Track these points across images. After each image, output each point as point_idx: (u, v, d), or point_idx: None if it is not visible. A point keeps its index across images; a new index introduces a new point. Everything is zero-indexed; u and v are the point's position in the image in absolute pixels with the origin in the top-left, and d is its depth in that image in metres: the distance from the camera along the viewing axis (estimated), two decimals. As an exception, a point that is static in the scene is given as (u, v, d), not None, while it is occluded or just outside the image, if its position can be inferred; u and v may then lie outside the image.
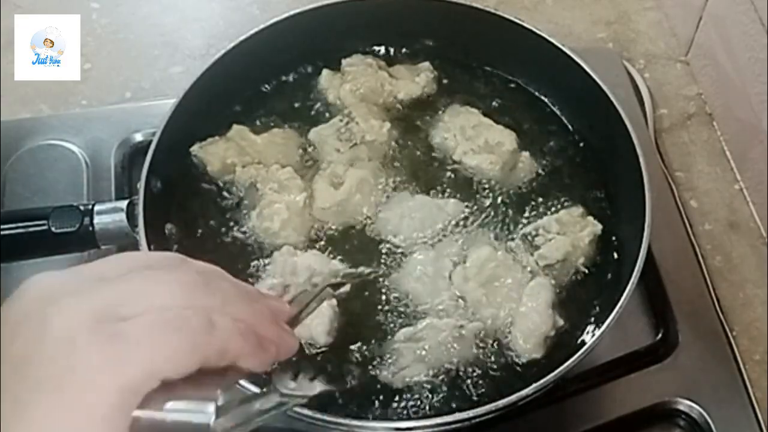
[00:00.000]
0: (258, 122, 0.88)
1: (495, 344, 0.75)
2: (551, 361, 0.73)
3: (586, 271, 0.79)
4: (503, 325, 0.75)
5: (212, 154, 0.84)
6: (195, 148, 0.84)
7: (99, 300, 0.38)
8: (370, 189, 0.82)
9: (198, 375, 0.38)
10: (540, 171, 0.86)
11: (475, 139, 0.85)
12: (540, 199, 0.83)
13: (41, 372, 0.37)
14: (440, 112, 0.89)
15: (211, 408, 0.39)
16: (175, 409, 0.38)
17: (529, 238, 0.80)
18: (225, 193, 0.84)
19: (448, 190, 0.84)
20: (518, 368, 0.74)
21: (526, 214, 0.82)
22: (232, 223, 0.82)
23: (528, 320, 0.75)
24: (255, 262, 0.79)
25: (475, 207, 0.82)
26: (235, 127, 0.86)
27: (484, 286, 0.76)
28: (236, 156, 0.84)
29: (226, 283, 0.42)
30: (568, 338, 0.76)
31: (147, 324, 0.37)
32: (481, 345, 0.75)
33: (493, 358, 0.75)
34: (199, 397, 0.39)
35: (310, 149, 0.86)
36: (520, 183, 0.85)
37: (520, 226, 0.81)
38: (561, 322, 0.76)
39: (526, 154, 0.86)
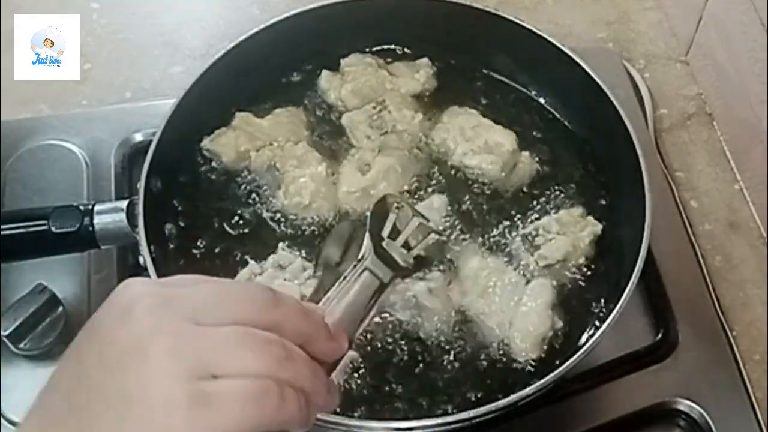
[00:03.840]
0: (259, 107, 0.89)
1: (493, 344, 0.75)
2: (550, 361, 0.73)
3: (586, 271, 0.79)
4: (504, 326, 0.75)
5: (224, 145, 0.85)
6: (206, 143, 0.85)
7: (196, 355, 0.40)
8: (397, 178, 0.83)
9: None
10: (540, 171, 0.86)
11: (474, 139, 0.85)
12: (540, 200, 0.83)
13: (127, 408, 0.39)
14: (439, 113, 0.89)
15: None
16: None
17: (529, 238, 0.80)
18: (239, 182, 0.84)
19: (448, 190, 0.84)
20: (516, 368, 0.74)
21: (526, 214, 0.82)
22: (258, 208, 0.82)
23: (527, 320, 0.75)
24: (290, 241, 0.80)
25: (476, 208, 0.83)
26: (238, 114, 0.87)
27: (482, 296, 0.76)
28: (248, 142, 0.85)
29: (299, 354, 0.44)
30: (568, 338, 0.76)
31: (233, 393, 0.40)
32: (481, 345, 0.75)
33: (491, 358, 0.75)
34: None
35: (342, 137, 0.88)
36: (520, 183, 0.85)
37: (520, 226, 0.81)
38: (560, 323, 0.76)
39: (525, 154, 0.86)
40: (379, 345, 0.75)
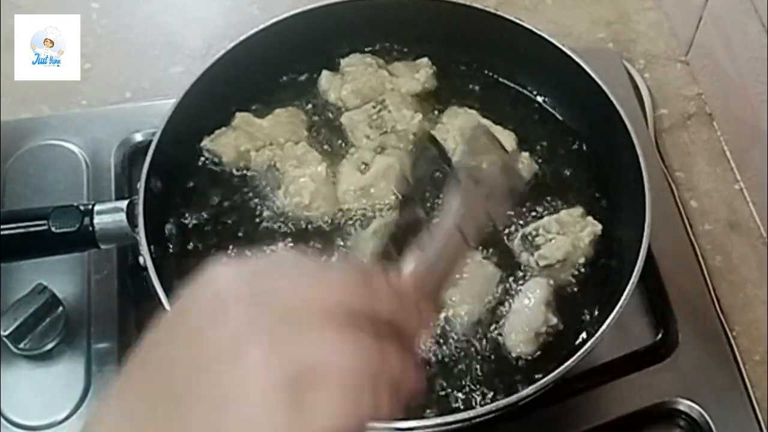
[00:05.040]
0: (259, 107, 0.89)
1: (487, 340, 0.76)
2: (547, 359, 0.74)
3: (586, 271, 0.79)
4: (488, 320, 0.76)
5: (225, 144, 0.85)
6: (206, 143, 0.85)
7: (292, 357, 0.40)
8: (396, 177, 0.83)
9: None
10: (539, 171, 0.86)
11: (474, 139, 0.85)
12: (540, 200, 0.83)
13: (225, 408, 0.39)
14: (439, 113, 0.89)
15: None
16: None
17: (529, 238, 0.80)
18: (239, 182, 0.85)
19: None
20: (510, 363, 0.75)
21: (526, 215, 0.82)
22: (258, 208, 0.83)
23: (521, 315, 0.76)
24: (290, 241, 0.80)
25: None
26: (238, 114, 0.87)
27: (455, 285, 0.76)
28: (248, 142, 0.85)
29: (391, 343, 0.43)
30: (568, 338, 0.76)
31: (329, 395, 0.40)
32: (473, 340, 0.76)
33: (485, 354, 0.75)
34: None
35: (342, 137, 0.88)
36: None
37: (520, 226, 0.81)
38: (554, 320, 0.76)
39: (525, 154, 0.86)
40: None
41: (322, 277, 0.44)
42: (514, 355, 0.75)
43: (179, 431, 0.39)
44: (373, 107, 0.88)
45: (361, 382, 0.41)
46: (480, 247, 0.80)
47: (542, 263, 0.78)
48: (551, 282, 0.78)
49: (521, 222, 0.82)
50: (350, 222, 0.82)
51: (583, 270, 0.79)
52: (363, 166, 0.83)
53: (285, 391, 0.39)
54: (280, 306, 0.41)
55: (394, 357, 0.43)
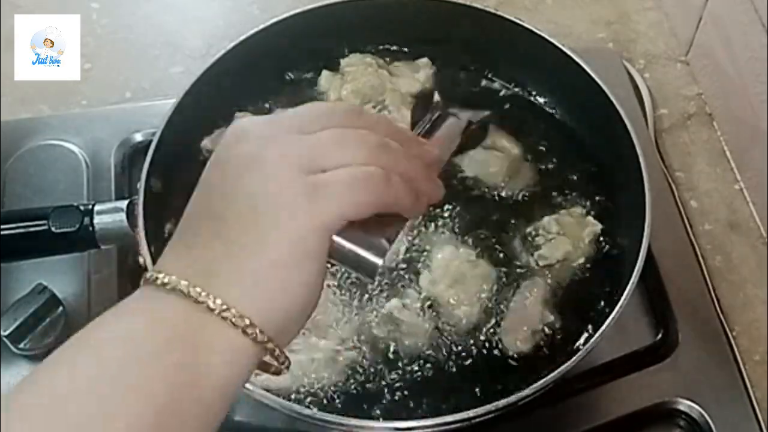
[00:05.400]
0: (259, 107, 0.89)
1: (485, 340, 0.76)
2: (547, 359, 0.74)
3: (586, 271, 0.79)
4: (484, 320, 0.76)
5: None
6: (206, 143, 0.85)
7: (305, 154, 0.47)
8: None
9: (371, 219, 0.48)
10: (540, 171, 0.86)
11: (475, 139, 0.85)
12: (540, 200, 0.83)
13: (255, 206, 0.45)
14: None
15: (384, 247, 0.48)
16: (352, 239, 0.48)
17: (529, 238, 0.80)
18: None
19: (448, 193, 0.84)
20: (509, 363, 0.75)
21: (526, 215, 0.82)
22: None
23: (517, 314, 0.76)
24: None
25: (475, 208, 0.83)
26: (238, 114, 0.87)
27: (452, 286, 0.77)
28: None
29: (395, 145, 0.50)
30: (568, 338, 0.76)
31: (341, 180, 0.46)
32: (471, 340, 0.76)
33: (484, 353, 0.75)
34: (369, 235, 0.48)
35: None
36: (521, 184, 0.85)
37: (521, 226, 0.81)
38: (551, 317, 0.76)
39: (526, 154, 0.86)
40: (376, 347, 0.75)
41: (324, 105, 0.54)
42: (511, 353, 0.75)
43: (223, 237, 0.46)
44: (373, 107, 0.88)
45: (370, 170, 0.47)
46: (478, 247, 0.80)
47: (542, 263, 0.78)
48: (549, 281, 0.78)
49: (521, 222, 0.82)
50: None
51: (583, 270, 0.79)
52: None
53: (300, 181, 0.45)
54: (293, 122, 0.48)
55: (404, 159, 0.49)
